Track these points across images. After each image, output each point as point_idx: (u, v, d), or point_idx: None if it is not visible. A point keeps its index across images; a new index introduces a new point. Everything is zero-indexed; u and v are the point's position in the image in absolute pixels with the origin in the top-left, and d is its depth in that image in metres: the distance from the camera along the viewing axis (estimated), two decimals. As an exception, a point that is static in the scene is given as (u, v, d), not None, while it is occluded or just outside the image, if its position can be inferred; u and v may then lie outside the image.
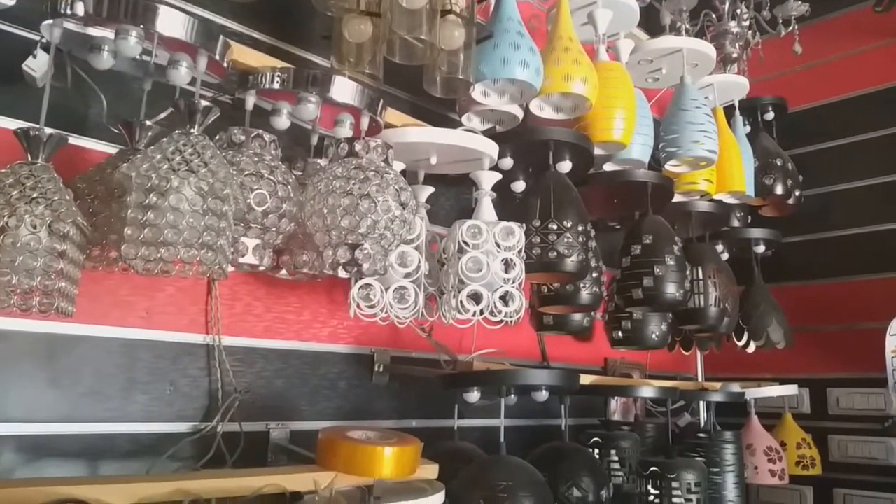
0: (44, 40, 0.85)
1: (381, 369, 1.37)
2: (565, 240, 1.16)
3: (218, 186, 0.78)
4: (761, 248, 1.89)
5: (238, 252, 0.90)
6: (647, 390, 1.44)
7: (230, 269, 0.90)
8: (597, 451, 1.50)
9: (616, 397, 1.78)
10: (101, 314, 1.04)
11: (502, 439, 1.17)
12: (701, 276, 1.52)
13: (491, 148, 1.18)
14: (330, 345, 1.32)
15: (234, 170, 0.89)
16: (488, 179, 1.18)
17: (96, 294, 1.03)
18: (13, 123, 0.88)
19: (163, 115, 0.97)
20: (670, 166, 1.59)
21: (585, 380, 1.41)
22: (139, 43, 0.84)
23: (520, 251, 1.12)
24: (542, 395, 1.25)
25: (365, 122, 1.03)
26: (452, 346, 1.45)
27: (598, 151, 1.46)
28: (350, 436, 1.02)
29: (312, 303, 1.29)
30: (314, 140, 1.11)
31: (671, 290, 1.35)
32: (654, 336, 1.53)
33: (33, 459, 0.95)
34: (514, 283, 1.11)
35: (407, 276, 1.10)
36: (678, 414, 1.87)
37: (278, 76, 0.96)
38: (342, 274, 0.97)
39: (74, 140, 1.01)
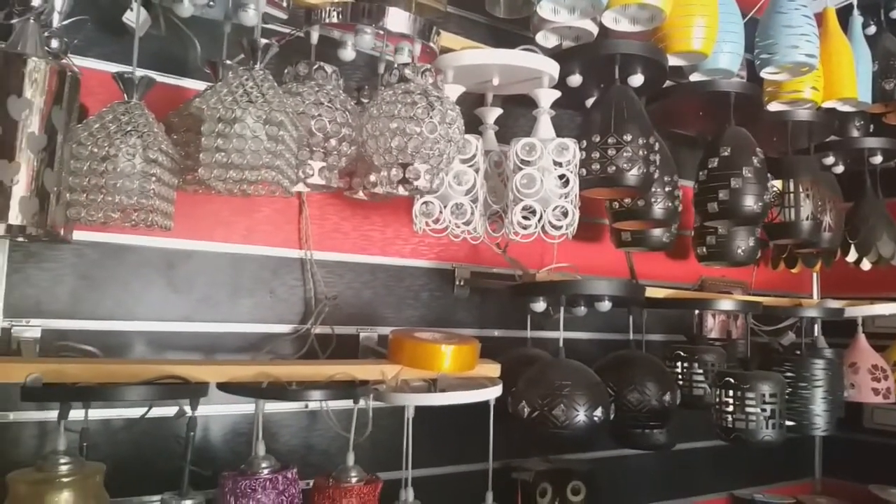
0: (137, -6, 1.00)
1: (461, 283, 1.48)
2: (625, 154, 1.18)
3: (274, 115, 0.90)
4: (878, 159, 1.74)
5: (305, 173, 1.03)
6: (726, 303, 1.43)
7: (297, 188, 1.03)
8: (680, 363, 1.53)
9: (714, 315, 1.78)
10: (208, 232, 1.22)
11: (561, 344, 1.24)
12: (792, 188, 1.46)
13: (550, 66, 1.21)
14: (412, 260, 1.44)
15: (298, 99, 1.01)
16: (546, 97, 1.21)
17: (202, 215, 1.21)
18: (115, 68, 1.03)
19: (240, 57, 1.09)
20: (767, 74, 1.51)
21: (661, 294, 1.44)
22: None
23: (575, 167, 1.16)
24: (605, 306, 1.30)
25: (418, 49, 1.10)
26: (533, 262, 1.52)
27: (679, 62, 1.43)
28: (415, 335, 1.14)
29: (394, 222, 1.41)
30: (381, 68, 1.20)
31: (749, 203, 1.32)
32: (739, 251, 1.50)
33: (159, 352, 1.16)
34: (568, 197, 1.15)
35: (467, 193, 1.18)
36: (782, 333, 1.82)
37: (336, 10, 1.05)
38: (400, 192, 1.07)
39: (174, 80, 1.18)
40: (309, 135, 1.01)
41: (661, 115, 1.55)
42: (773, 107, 1.56)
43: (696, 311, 1.59)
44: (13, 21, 0.85)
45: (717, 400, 1.39)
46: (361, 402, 1.07)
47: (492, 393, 1.13)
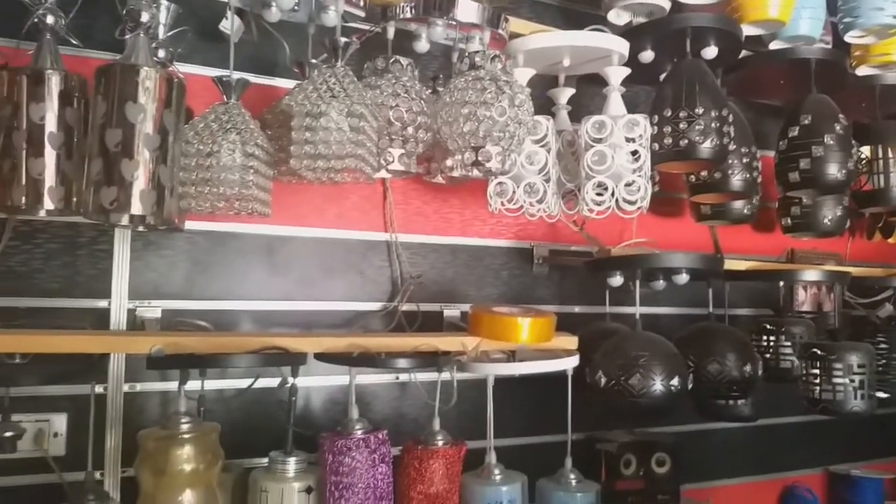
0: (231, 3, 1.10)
1: (540, 261, 1.52)
2: (697, 127, 1.18)
3: (355, 108, 0.98)
4: (981, 122, 1.64)
5: (386, 161, 1.11)
6: (809, 274, 1.40)
7: (379, 174, 1.11)
8: (767, 336, 1.52)
9: (806, 287, 1.75)
10: (303, 219, 1.32)
11: (637, 317, 1.27)
12: (881, 154, 1.41)
13: (618, 44, 1.23)
14: (491, 239, 1.50)
15: (377, 92, 1.09)
16: (616, 75, 1.23)
17: (297, 203, 1.31)
18: (214, 72, 1.14)
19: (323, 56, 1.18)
20: (851, 38, 1.47)
21: (742, 266, 1.43)
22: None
23: (646, 142, 1.18)
24: (682, 279, 1.31)
25: (487, 37, 1.15)
26: (613, 239, 1.55)
27: (756, 31, 1.42)
28: (494, 309, 1.21)
29: (473, 203, 1.47)
30: (454, 57, 1.26)
31: (832, 171, 1.29)
32: (826, 221, 1.47)
33: (263, 328, 1.27)
34: (639, 172, 1.18)
35: (539, 172, 1.23)
36: (879, 305, 1.76)
37: (409, 5, 1.12)
38: (475, 174, 1.13)
39: (267, 80, 1.29)
40: (388, 124, 1.09)
41: (741, 86, 1.53)
42: (862, 71, 1.51)
43: (782, 284, 1.56)
44: (126, 37, 0.97)
45: (804, 372, 1.38)
46: (446, 375, 1.15)
47: (568, 363, 1.18)
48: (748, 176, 1.37)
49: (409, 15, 1.13)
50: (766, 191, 1.57)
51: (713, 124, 1.19)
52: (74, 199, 0.94)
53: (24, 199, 0.92)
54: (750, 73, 1.44)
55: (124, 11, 0.96)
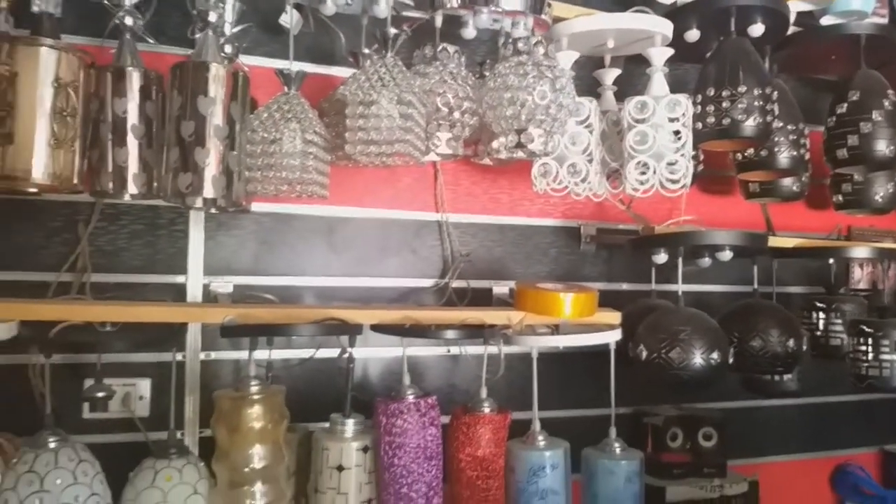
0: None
1: (587, 240, 1.57)
2: (739, 105, 1.20)
3: (404, 96, 1.05)
4: None
5: (434, 144, 1.18)
6: (858, 251, 1.40)
7: (427, 157, 1.18)
8: (817, 314, 1.52)
9: (862, 265, 1.74)
10: (359, 200, 1.41)
11: (680, 293, 1.31)
12: (936, 128, 1.38)
13: (661, 25, 1.25)
14: (539, 219, 1.55)
15: (425, 79, 1.15)
16: (658, 56, 1.26)
17: (354, 186, 1.40)
18: (279, 64, 1.23)
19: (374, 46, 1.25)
20: (908, 9, 1.45)
21: (790, 243, 1.44)
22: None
23: (688, 121, 1.21)
24: (726, 256, 1.33)
25: (531, 22, 1.20)
26: (661, 217, 1.58)
27: (806, 6, 1.41)
28: (538, 285, 1.26)
29: (521, 184, 1.52)
30: (500, 42, 1.31)
31: (880, 147, 1.29)
32: (878, 198, 1.46)
33: (324, 302, 1.37)
34: (681, 152, 1.21)
35: (583, 153, 1.27)
36: (940, 282, 1.73)
37: (455, -5, 1.18)
38: (518, 155, 1.19)
39: (324, 70, 1.37)
40: (435, 110, 1.15)
41: (791, 62, 1.53)
42: (920, 44, 1.47)
43: (832, 261, 1.55)
44: (197, 35, 1.06)
45: (852, 348, 1.38)
46: (493, 348, 1.21)
47: (610, 336, 1.22)
48: (795, 153, 1.37)
49: (456, 3, 1.19)
50: (818, 167, 1.57)
51: (756, 102, 1.21)
52: (155, 184, 1.05)
53: (111, 184, 1.03)
54: (799, 50, 1.44)
55: (195, 12, 1.06)
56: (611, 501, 1.22)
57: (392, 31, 1.10)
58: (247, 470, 1.00)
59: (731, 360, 1.27)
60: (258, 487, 1.00)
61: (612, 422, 1.27)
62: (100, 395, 1.09)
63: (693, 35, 1.36)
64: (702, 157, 1.45)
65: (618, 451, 1.25)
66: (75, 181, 1.01)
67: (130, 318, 1.04)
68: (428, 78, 1.16)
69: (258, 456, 1.00)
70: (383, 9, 1.17)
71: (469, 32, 1.28)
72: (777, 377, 1.43)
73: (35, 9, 1.02)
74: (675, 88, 1.30)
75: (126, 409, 1.20)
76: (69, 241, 1.21)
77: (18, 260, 1.19)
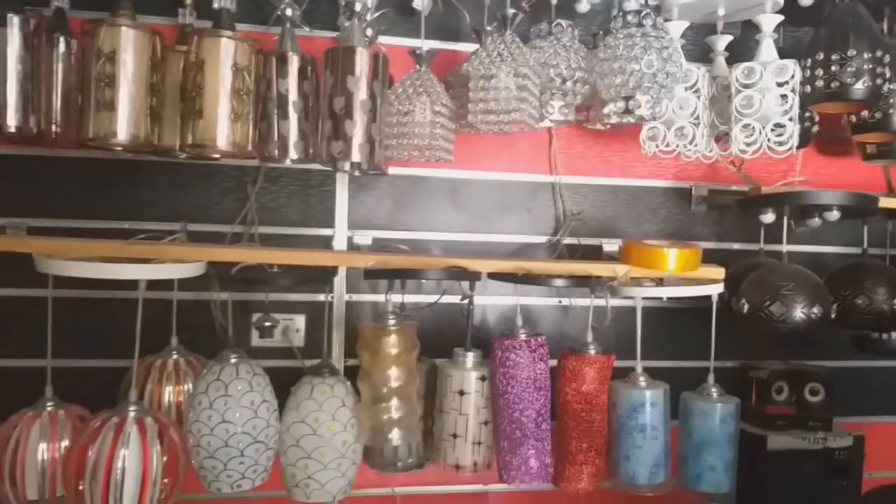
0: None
1: (699, 200, 1.64)
2: (849, 69, 1.23)
3: (520, 70, 1.18)
4: None
5: (547, 112, 1.30)
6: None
7: (541, 124, 1.31)
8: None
9: None
10: (480, 163, 1.56)
11: (784, 251, 1.36)
12: None
13: (771, -8, 1.30)
14: (650, 180, 1.64)
15: (540, 53, 1.28)
16: (768, 22, 1.30)
17: (475, 151, 1.55)
18: (414, 43, 1.39)
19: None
20: None
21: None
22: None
23: (796, 85, 1.25)
24: (833, 216, 1.36)
25: (641, -4, 1.29)
26: (775, 179, 1.62)
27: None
28: (643, 241, 1.37)
29: (633, 147, 1.60)
30: (612, 14, 1.40)
31: None
32: None
33: (449, 255, 1.54)
34: (788, 115, 1.26)
35: (691, 115, 1.35)
36: None
37: (569, -26, 1.29)
38: (627, 120, 1.29)
39: (451, 46, 1.52)
40: (549, 81, 1.27)
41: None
42: None
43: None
44: (346, 24, 1.25)
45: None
46: (600, 301, 1.33)
47: (711, 289, 1.31)
48: (912, 114, 1.37)
49: (570, -18, 1.30)
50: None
51: (866, 66, 1.23)
52: (311, 151, 1.25)
53: (276, 151, 1.24)
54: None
55: (343, 3, 1.24)
56: (705, 441, 1.32)
57: (510, 11, 1.23)
58: (385, 389, 1.20)
59: (833, 316, 1.32)
60: (394, 403, 1.20)
61: (710, 369, 1.37)
62: (267, 324, 1.33)
63: (806, 0, 1.39)
64: (817, 119, 1.47)
65: (714, 394, 1.34)
66: (249, 149, 1.23)
67: (295, 260, 1.26)
68: (543, 51, 1.28)
69: (394, 377, 1.20)
70: (504, -11, 1.30)
71: (583, 7, 1.39)
72: (885, 336, 1.45)
73: (216, 5, 1.24)
74: (794, 51, 1.34)
75: (286, 339, 1.45)
76: (240, 198, 1.46)
77: (200, 214, 1.45)
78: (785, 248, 1.38)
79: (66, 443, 1.16)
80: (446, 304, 1.47)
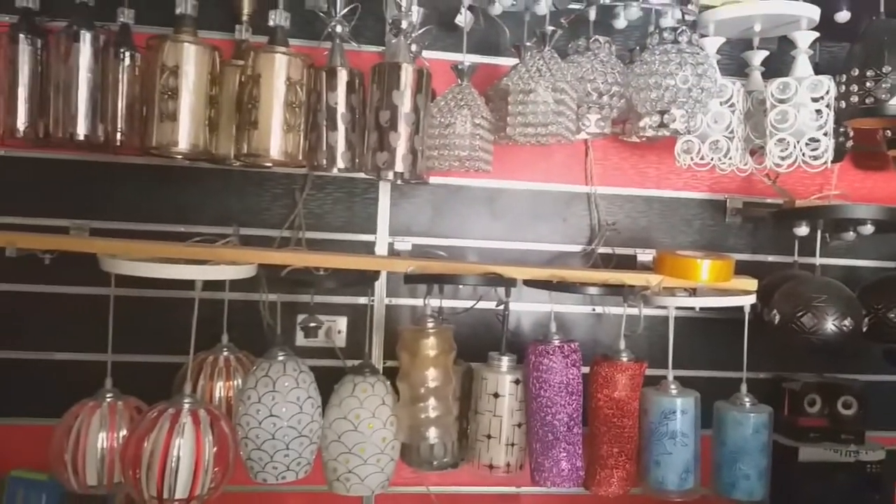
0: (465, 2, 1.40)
1: (733, 213, 1.66)
2: (884, 85, 1.25)
3: (558, 85, 1.23)
4: None
5: (584, 125, 1.35)
6: None
7: (577, 137, 1.35)
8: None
9: None
10: (517, 174, 1.61)
11: (817, 264, 1.38)
12: None
13: (806, 10, 1.32)
14: (685, 192, 1.67)
15: (577, 68, 1.32)
16: (803, 38, 1.33)
17: (512, 162, 1.60)
18: (456, 58, 1.45)
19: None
20: None
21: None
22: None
23: (831, 101, 1.28)
24: (867, 229, 1.38)
25: (678, 13, 1.32)
26: (810, 192, 1.64)
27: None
28: (677, 252, 1.40)
29: (668, 159, 1.64)
30: (649, 30, 1.44)
31: None
32: None
33: (486, 262, 1.59)
34: (823, 130, 1.28)
35: (726, 129, 1.38)
36: None
37: (606, -8, 1.33)
38: (662, 133, 1.33)
39: (491, 60, 1.58)
40: (586, 95, 1.32)
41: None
42: None
43: None
44: (392, 41, 1.31)
45: None
46: (633, 310, 1.36)
47: (743, 300, 1.34)
48: (947, 131, 1.38)
49: (607, 1, 1.34)
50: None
51: (903, 81, 1.25)
52: (356, 160, 1.32)
53: (325, 160, 1.31)
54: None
55: (389, 21, 1.31)
56: (738, 450, 1.34)
57: (549, 28, 1.28)
58: (423, 389, 1.26)
59: (864, 329, 1.33)
60: (431, 402, 1.25)
61: (743, 379, 1.39)
62: (312, 325, 1.40)
63: (843, 16, 1.41)
64: (851, 134, 1.49)
65: (747, 404, 1.36)
66: (300, 158, 1.30)
67: (339, 265, 1.32)
68: (580, 66, 1.32)
69: (431, 377, 1.25)
70: (543, 7, 1.35)
71: (620, 23, 1.43)
72: (921, 351, 1.46)
73: (271, 23, 1.31)
74: (829, 67, 1.36)
75: (329, 339, 1.51)
76: (288, 205, 1.53)
77: (251, 218, 1.53)
78: (818, 261, 1.40)
79: (123, 432, 1.23)
80: (482, 309, 1.52)
